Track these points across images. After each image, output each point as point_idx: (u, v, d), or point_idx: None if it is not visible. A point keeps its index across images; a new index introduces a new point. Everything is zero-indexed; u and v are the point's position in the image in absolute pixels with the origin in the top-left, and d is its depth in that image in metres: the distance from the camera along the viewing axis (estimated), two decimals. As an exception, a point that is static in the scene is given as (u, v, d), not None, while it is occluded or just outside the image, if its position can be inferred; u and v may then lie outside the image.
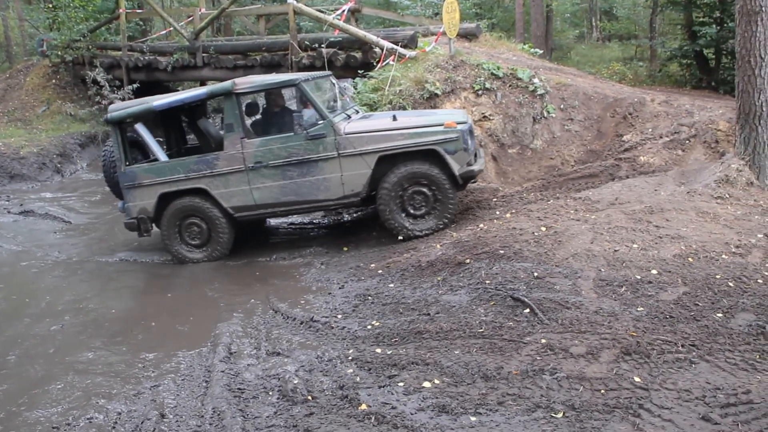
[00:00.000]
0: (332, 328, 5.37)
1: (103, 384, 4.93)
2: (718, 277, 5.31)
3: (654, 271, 5.41)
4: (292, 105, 8.49)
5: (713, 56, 15.24)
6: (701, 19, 15.19)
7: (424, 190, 7.54)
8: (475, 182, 8.35)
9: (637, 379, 3.98)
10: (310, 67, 12.75)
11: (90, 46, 16.27)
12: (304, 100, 7.71)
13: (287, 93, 8.62)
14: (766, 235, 6.07)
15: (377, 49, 11.57)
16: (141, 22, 20.70)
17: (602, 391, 3.90)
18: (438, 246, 6.69)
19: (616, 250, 5.75)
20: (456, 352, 4.53)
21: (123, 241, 9.06)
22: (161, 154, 8.13)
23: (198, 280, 7.38)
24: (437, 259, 6.27)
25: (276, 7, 18.51)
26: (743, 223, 6.32)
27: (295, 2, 13.12)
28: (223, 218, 7.90)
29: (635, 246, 5.82)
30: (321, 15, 13.24)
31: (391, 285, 6.09)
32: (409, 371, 4.39)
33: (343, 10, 14.41)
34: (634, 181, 7.59)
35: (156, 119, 8.86)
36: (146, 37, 18.86)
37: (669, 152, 8.93)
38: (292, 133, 7.58)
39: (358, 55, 12.18)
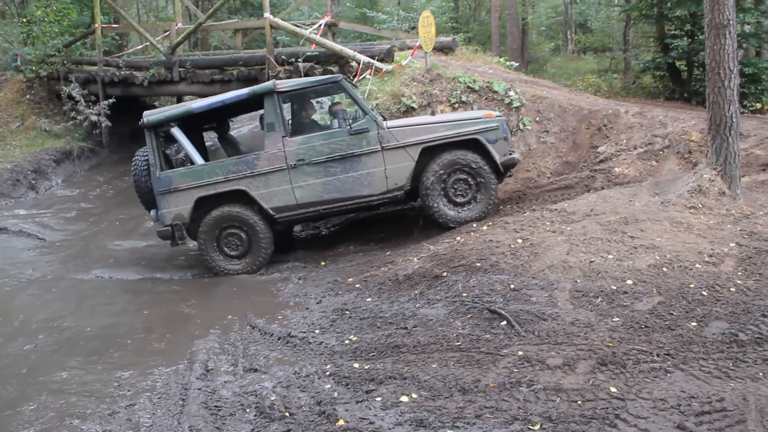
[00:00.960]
0: (310, 343, 5.35)
1: (77, 404, 4.85)
2: (692, 286, 5.37)
3: (629, 282, 5.46)
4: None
5: (685, 68, 15.49)
6: (673, 32, 15.47)
7: (467, 178, 7.72)
8: (510, 175, 8.48)
9: (613, 389, 4.01)
10: (287, 82, 12.74)
11: (65, 61, 16.13)
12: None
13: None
14: (738, 244, 6.16)
15: (354, 63, 11.60)
16: (117, 37, 20.58)
17: (579, 402, 3.92)
18: (415, 259, 6.70)
19: (591, 261, 5.79)
20: (433, 366, 4.53)
21: (98, 258, 8.97)
22: (198, 158, 8.00)
23: (174, 296, 7.31)
24: (414, 273, 6.28)
25: (253, 21, 18.50)
26: (716, 233, 6.40)
27: (271, 17, 13.14)
28: (264, 226, 7.81)
29: (611, 257, 5.87)
30: (297, 29, 13.26)
31: (369, 299, 6.08)
32: (387, 386, 4.38)
33: (320, 25, 14.45)
34: (609, 192, 7.66)
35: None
36: (122, 51, 18.75)
37: (643, 163, 9.04)
38: (335, 129, 7.72)
39: (335, 69, 12.20)
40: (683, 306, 5.08)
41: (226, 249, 7.94)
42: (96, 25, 15.88)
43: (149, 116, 7.94)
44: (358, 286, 6.55)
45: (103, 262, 8.82)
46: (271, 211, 7.79)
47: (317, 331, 5.60)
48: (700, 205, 6.96)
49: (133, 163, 8.30)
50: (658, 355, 4.37)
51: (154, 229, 10.24)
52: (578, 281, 5.51)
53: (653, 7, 15.78)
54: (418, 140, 7.65)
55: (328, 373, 4.71)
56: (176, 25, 15.68)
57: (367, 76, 10.84)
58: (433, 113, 7.87)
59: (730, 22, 7.21)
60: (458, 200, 7.75)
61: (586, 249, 6.02)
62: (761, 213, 6.97)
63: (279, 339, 5.57)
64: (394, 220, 8.93)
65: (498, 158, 7.70)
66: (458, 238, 6.92)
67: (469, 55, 13.89)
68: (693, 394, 3.90)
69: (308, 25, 14.89)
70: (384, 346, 4.98)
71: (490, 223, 7.20)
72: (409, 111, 9.77)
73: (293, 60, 12.63)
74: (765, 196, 7.55)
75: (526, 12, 23.91)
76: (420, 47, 11.10)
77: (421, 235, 7.85)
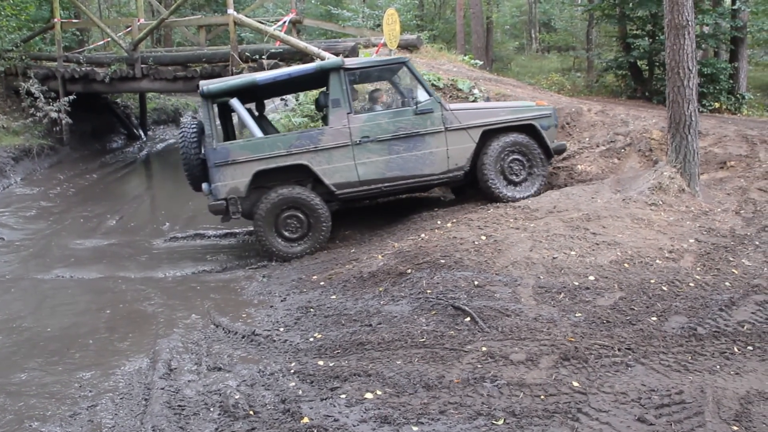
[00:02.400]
0: (274, 341, 5.32)
1: (37, 406, 4.75)
2: (652, 281, 5.47)
3: (591, 277, 5.53)
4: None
5: (646, 67, 15.75)
6: (635, 32, 15.72)
7: (522, 159, 8.09)
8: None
9: (575, 383, 4.06)
10: (252, 79, 12.66)
11: (23, 57, 15.79)
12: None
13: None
14: (697, 240, 6.29)
15: (318, 61, 11.55)
16: (77, 33, 20.23)
17: (542, 396, 3.96)
18: (379, 257, 6.70)
19: (554, 258, 5.86)
20: (398, 363, 4.54)
21: (59, 258, 8.80)
22: (257, 131, 7.88)
23: (137, 295, 7.20)
24: (379, 270, 6.28)
25: (216, 17, 18.35)
26: (676, 229, 6.53)
27: (235, 13, 13.04)
28: (323, 206, 7.76)
29: (573, 253, 5.94)
30: (261, 26, 13.19)
31: (333, 297, 6.06)
32: (351, 383, 4.37)
33: (284, 21, 14.39)
34: (571, 190, 7.75)
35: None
36: (83, 47, 18.43)
37: (605, 161, 9.17)
38: (402, 108, 7.84)
39: (300, 66, 12.16)
40: (644, 301, 5.17)
41: (285, 232, 7.84)
42: (55, 20, 15.57)
43: (209, 85, 7.73)
44: (322, 283, 6.53)
45: (63, 262, 8.65)
46: (332, 188, 7.78)
47: (282, 329, 5.57)
48: (661, 202, 7.08)
49: (181, 135, 8.02)
50: (619, 350, 4.44)
51: (116, 228, 10.17)
52: (541, 277, 5.57)
53: (615, 7, 16.02)
54: (480, 123, 7.95)
55: (292, 371, 4.69)
56: (138, 20, 15.47)
57: (332, 74, 10.79)
58: (488, 99, 8.27)
59: (689, 23, 7.35)
60: (514, 179, 8.08)
61: (549, 245, 6.08)
62: (719, 210, 7.12)
63: (243, 337, 5.52)
64: (358, 216, 8.90)
65: (550, 143, 8.16)
66: (422, 236, 6.93)
67: (434, 53, 13.96)
68: (653, 387, 3.98)
69: (272, 21, 14.81)
70: (349, 344, 4.98)
71: (454, 220, 7.23)
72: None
73: (257, 57, 12.54)
74: (723, 194, 7.70)
75: (490, 11, 24.11)
76: (385, 45, 11.10)
77: (385, 233, 7.85)
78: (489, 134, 8.01)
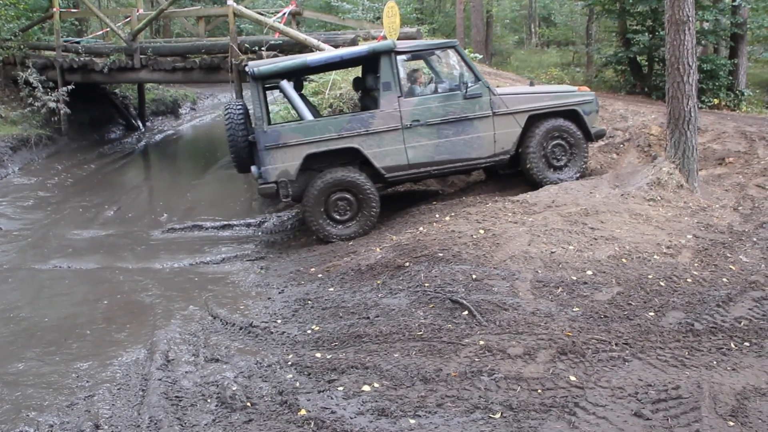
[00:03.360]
0: (272, 333, 5.32)
1: (34, 396, 4.76)
2: (650, 277, 5.48)
3: (589, 272, 5.54)
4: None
5: (646, 63, 15.72)
6: (635, 27, 15.68)
7: (564, 144, 8.23)
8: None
9: (572, 378, 4.07)
10: (251, 70, 12.62)
11: (22, 46, 15.74)
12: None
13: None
14: (695, 235, 6.29)
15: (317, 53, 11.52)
16: (76, 22, 20.16)
17: (539, 390, 3.97)
18: (378, 249, 6.70)
19: (552, 252, 5.86)
20: (395, 355, 4.54)
21: (57, 248, 8.79)
22: (307, 114, 7.89)
23: (135, 286, 7.20)
24: (377, 263, 6.28)
25: (216, 9, 18.31)
26: (674, 225, 6.53)
27: (235, 4, 12.98)
28: (372, 187, 7.80)
29: (571, 247, 5.95)
30: (261, 18, 13.13)
31: (331, 289, 6.06)
32: (349, 375, 4.38)
33: (284, 13, 14.33)
34: (570, 184, 7.76)
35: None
36: (82, 37, 18.36)
37: (604, 156, 9.18)
38: (451, 92, 7.89)
39: (299, 58, 12.10)
40: (641, 296, 5.18)
41: (334, 215, 7.82)
42: (54, 9, 15.52)
43: (259, 66, 7.66)
44: (320, 276, 6.53)
45: (61, 252, 8.64)
46: (382, 171, 7.83)
47: (279, 321, 5.57)
48: (659, 198, 7.08)
49: (227, 117, 8.02)
50: (616, 345, 4.45)
51: (113, 219, 10.16)
52: (539, 271, 5.57)
53: (616, 2, 15.99)
54: (526, 108, 8.07)
55: (290, 363, 4.70)
56: (138, 10, 15.40)
57: (332, 66, 10.76)
58: (532, 83, 8.54)
59: (690, 18, 7.33)
60: (555, 164, 8.24)
61: (547, 240, 6.09)
62: (717, 206, 7.12)
63: (241, 329, 5.53)
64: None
65: (591, 128, 8.29)
66: (421, 229, 6.93)
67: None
68: (650, 382, 3.99)
69: (272, 13, 14.76)
70: (346, 336, 4.99)
71: (452, 214, 7.23)
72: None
73: (256, 48, 12.48)
74: (721, 190, 7.72)
75: (490, 4, 24.06)
76: (384, 38, 11.06)
77: (383, 225, 7.85)
78: (534, 119, 8.15)
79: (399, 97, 7.78)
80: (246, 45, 12.78)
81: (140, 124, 18.58)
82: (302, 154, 7.64)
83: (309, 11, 18.25)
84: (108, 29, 16.10)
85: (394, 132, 7.75)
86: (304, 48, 11.95)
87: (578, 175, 8.24)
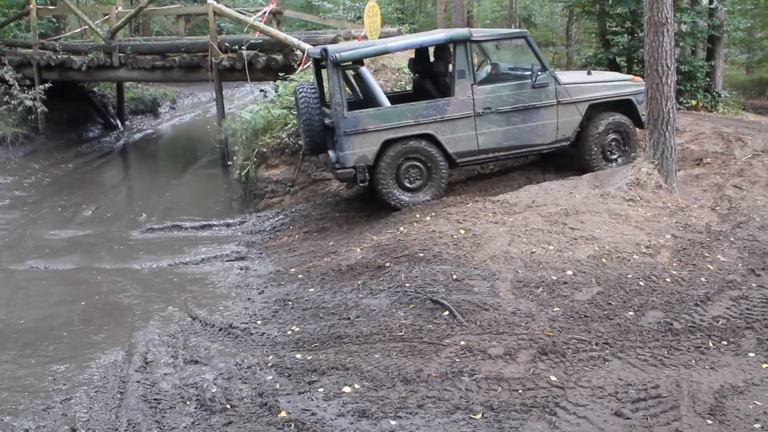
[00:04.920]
0: (252, 334, 5.29)
1: (9, 400, 4.70)
2: (629, 276, 5.51)
3: (569, 272, 5.56)
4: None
5: (625, 64, 15.80)
6: (614, 29, 15.75)
7: (619, 138, 8.55)
8: None
9: (553, 378, 4.08)
10: (230, 69, 12.56)
11: (-3, 43, 15.57)
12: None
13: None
14: (673, 235, 6.34)
15: (298, 52, 11.49)
16: (54, 19, 19.91)
17: (520, 390, 3.98)
18: (358, 250, 6.68)
19: (532, 252, 5.88)
20: (376, 356, 4.53)
21: (33, 248, 8.69)
22: (385, 100, 8.02)
23: (113, 287, 7.13)
24: (357, 263, 6.26)
25: (196, 7, 18.21)
26: (653, 224, 6.58)
27: (215, 3, 12.91)
28: (442, 156, 7.94)
29: (551, 247, 5.97)
30: (241, 16, 13.09)
31: (312, 289, 6.04)
32: (329, 376, 4.36)
33: (265, 12, 14.30)
34: (550, 185, 7.77)
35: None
36: (59, 34, 18.16)
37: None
38: (521, 81, 8.12)
39: (279, 57, 12.06)
40: (621, 296, 5.21)
41: (405, 182, 7.93)
42: (31, 6, 15.35)
43: (340, 52, 7.65)
44: (300, 276, 6.50)
45: (38, 252, 8.54)
46: (454, 156, 7.99)
47: (259, 322, 5.54)
48: (638, 198, 7.12)
49: (303, 100, 8.04)
50: (596, 344, 4.47)
51: (92, 219, 10.08)
52: (519, 271, 5.58)
53: (595, 3, 16.08)
54: (587, 97, 8.34)
55: (270, 364, 4.67)
56: (116, 8, 15.31)
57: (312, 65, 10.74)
58: (589, 73, 8.91)
59: (669, 20, 7.38)
60: (609, 156, 8.56)
61: (528, 240, 6.11)
62: (695, 206, 7.18)
63: (220, 330, 5.49)
64: (337, 208, 8.89)
65: (643, 117, 8.39)
66: (401, 229, 6.92)
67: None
68: (630, 381, 4.01)
69: (252, 12, 14.70)
70: (326, 337, 4.96)
71: (433, 214, 7.23)
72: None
73: (236, 47, 12.42)
74: (699, 190, 7.77)
75: (471, 5, 24.12)
76: (365, 37, 11.06)
77: (364, 226, 7.84)
78: (593, 108, 8.41)
79: (473, 85, 7.94)
80: (226, 44, 12.71)
81: (119, 123, 18.42)
82: (380, 140, 7.74)
83: (290, 10, 18.23)
84: (86, 27, 15.92)
85: (467, 119, 7.95)
86: (284, 47, 11.92)
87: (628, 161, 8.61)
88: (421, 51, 9.01)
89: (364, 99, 8.29)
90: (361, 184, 7.89)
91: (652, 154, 7.60)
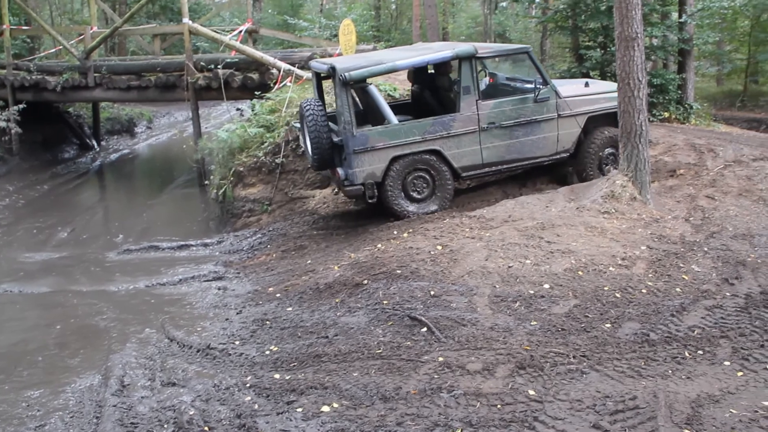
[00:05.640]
0: (230, 354, 5.25)
1: (-19, 427, 4.63)
2: (606, 288, 5.55)
3: (546, 286, 5.59)
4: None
5: (599, 78, 15.99)
6: (587, 43, 15.95)
7: (616, 153, 8.48)
8: None
9: (531, 392, 4.09)
10: (206, 88, 12.54)
11: (-31, 65, 15.43)
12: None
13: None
14: (648, 247, 6.40)
15: (274, 71, 11.51)
16: (28, 40, 19.80)
17: (498, 405, 3.98)
18: (336, 268, 6.67)
19: (509, 267, 5.90)
20: (355, 375, 4.52)
21: (7, 272, 8.58)
22: (393, 118, 8.04)
23: (89, 310, 7.05)
24: (335, 281, 6.25)
25: (171, 27, 18.15)
26: (628, 236, 6.63)
27: (190, 22, 12.91)
28: (447, 168, 8.07)
29: (528, 261, 6.00)
30: (217, 35, 13.08)
31: (290, 308, 6.01)
32: (308, 396, 4.34)
33: (240, 31, 14.32)
34: (526, 199, 7.83)
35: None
36: (34, 55, 18.04)
37: (558, 169, 9.29)
38: (524, 96, 8.23)
39: (255, 76, 12.07)
40: (598, 308, 5.24)
41: (413, 193, 8.03)
42: (4, 26, 15.24)
43: (350, 71, 7.63)
44: (278, 295, 6.47)
45: (12, 276, 8.43)
46: (459, 170, 8.13)
47: (237, 342, 5.50)
48: (613, 210, 7.19)
49: (310, 118, 7.98)
50: (574, 357, 4.49)
51: (67, 240, 9.98)
52: (497, 286, 5.60)
53: (568, 19, 16.27)
54: (586, 110, 8.49)
55: (248, 385, 4.64)
56: (91, 28, 15.22)
57: (288, 84, 10.77)
58: (587, 84, 9.00)
59: (638, 35, 7.48)
60: (606, 169, 8.70)
61: (505, 254, 6.13)
62: (669, 217, 7.25)
63: (198, 351, 5.45)
64: (315, 226, 8.87)
65: None
66: (379, 246, 6.93)
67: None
68: (607, 393, 4.03)
69: (228, 31, 14.71)
70: (305, 356, 4.94)
71: (410, 230, 7.24)
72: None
73: (212, 66, 12.42)
74: (673, 201, 7.86)
75: (446, 21, 24.31)
76: (340, 54, 11.11)
77: (342, 243, 7.83)
78: (591, 119, 8.58)
79: (477, 100, 8.08)
80: (202, 63, 12.70)
81: (95, 144, 18.29)
82: (389, 157, 7.84)
83: (265, 29, 18.26)
84: (61, 47, 15.84)
85: (472, 134, 8.08)
86: (260, 65, 11.93)
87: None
88: (437, 70, 9.12)
89: (365, 110, 8.35)
90: (370, 201, 7.93)
91: (626, 166, 7.68)
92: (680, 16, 15.23)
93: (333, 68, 7.72)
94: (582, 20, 15.56)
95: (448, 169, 8.06)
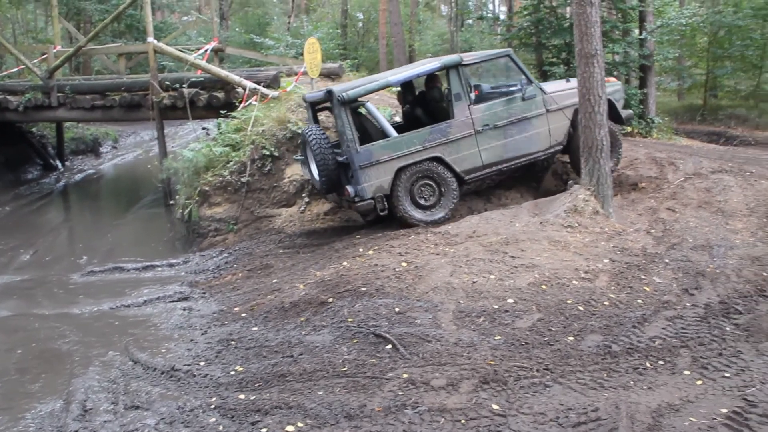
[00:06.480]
0: (194, 376, 5.19)
1: (-63, 457, 4.52)
2: (569, 302, 5.61)
3: (510, 300, 5.63)
4: None
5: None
6: (551, 60, 16.24)
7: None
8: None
9: (495, 406, 4.11)
10: (172, 108, 12.47)
11: (-71, 85, 15.16)
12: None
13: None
14: (611, 259, 6.49)
15: (240, 89, 11.50)
16: (-11, 59, 19.55)
17: (463, 421, 3.99)
18: (301, 286, 6.66)
19: (474, 282, 5.94)
20: (320, 393, 4.50)
21: (-34, 295, 8.40)
22: (393, 131, 8.30)
23: (51, 333, 6.93)
24: (300, 300, 6.24)
25: (136, 46, 18.05)
26: (591, 250, 6.72)
27: (155, 41, 12.85)
28: (452, 176, 8.35)
29: (492, 276, 6.04)
30: (182, 54, 13.05)
31: (255, 328, 5.98)
32: (273, 416, 4.31)
33: (206, 50, 14.28)
34: (490, 214, 7.91)
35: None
36: (-5, 74, 17.80)
37: (523, 185, 9.40)
38: (512, 96, 8.58)
39: (221, 95, 12.04)
40: (561, 321, 5.29)
41: (420, 201, 8.28)
42: (-35, 47, 15.02)
43: (347, 92, 7.99)
44: (244, 315, 6.43)
45: (-30, 299, 8.26)
46: (462, 174, 8.40)
47: (202, 363, 5.45)
48: (576, 224, 7.29)
49: (314, 143, 8.13)
50: (537, 371, 4.53)
51: (30, 263, 9.84)
52: (461, 302, 5.63)
53: (532, 36, 16.57)
54: (572, 102, 8.61)
55: (213, 406, 4.59)
56: (55, 47, 15.07)
57: (254, 102, 10.76)
58: (567, 80, 9.32)
59: (598, 52, 7.63)
60: None
61: (469, 270, 6.17)
62: (631, 230, 7.38)
63: (162, 373, 5.38)
64: (281, 244, 8.85)
65: (623, 114, 9.39)
66: (344, 264, 6.93)
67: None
68: (570, 406, 4.06)
69: (194, 50, 14.67)
70: (270, 376, 4.91)
71: (375, 247, 7.26)
72: (295, 137, 9.75)
73: (178, 85, 12.37)
74: (635, 214, 8.00)
75: (413, 39, 24.50)
76: (305, 73, 11.14)
77: (308, 261, 7.83)
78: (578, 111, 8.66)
79: (469, 105, 8.40)
80: (167, 82, 12.64)
81: (59, 164, 18.03)
82: (394, 168, 8.12)
83: (232, 48, 18.25)
84: (23, 66, 15.64)
85: (469, 138, 8.40)
86: (226, 84, 11.91)
87: (618, 164, 9.35)
88: (407, 83, 9.41)
89: (361, 133, 8.43)
90: (381, 213, 8.15)
91: (588, 180, 7.80)
92: (641, 33, 15.58)
93: (330, 91, 8.07)
94: (545, 37, 15.85)
95: (451, 175, 8.34)
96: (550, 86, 9.15)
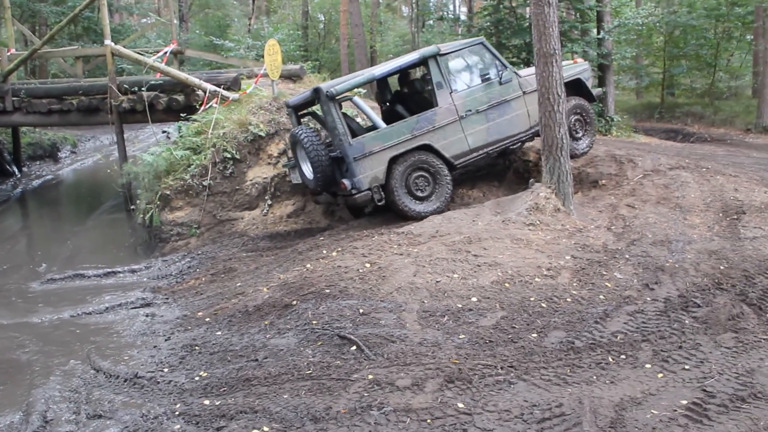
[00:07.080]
0: (158, 382, 5.13)
1: None
2: (532, 299, 5.67)
3: (474, 299, 5.68)
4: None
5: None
6: (511, 60, 16.37)
7: (581, 119, 9.65)
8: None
9: (460, 405, 4.14)
10: (131, 111, 12.28)
11: None
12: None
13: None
14: (573, 256, 6.58)
15: (200, 92, 11.38)
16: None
17: (428, 420, 4.01)
18: (265, 289, 6.62)
19: (438, 281, 5.97)
20: (285, 397, 4.48)
21: None
22: (381, 122, 8.60)
23: (9, 343, 6.77)
24: (264, 303, 6.20)
25: (94, 48, 17.73)
26: (553, 247, 6.80)
27: (113, 44, 12.65)
28: (445, 166, 8.59)
29: (456, 276, 6.08)
30: (141, 57, 12.84)
31: (219, 333, 5.93)
32: (238, 421, 4.27)
33: (165, 52, 14.09)
34: (453, 214, 7.95)
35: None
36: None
37: (485, 183, 9.48)
38: (490, 81, 8.88)
39: (181, 98, 11.88)
40: (524, 319, 5.35)
41: (416, 192, 8.49)
42: None
43: (333, 87, 8.22)
44: (208, 319, 6.37)
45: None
46: (451, 160, 8.64)
47: (166, 370, 5.38)
48: (538, 222, 7.37)
49: (307, 142, 8.30)
50: (502, 368, 4.57)
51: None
52: (425, 302, 5.66)
53: (492, 36, 16.69)
54: None
55: (177, 413, 4.54)
56: (9, 50, 14.72)
57: (214, 105, 10.66)
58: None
59: (556, 51, 7.73)
60: (575, 135, 9.58)
61: (432, 270, 6.20)
62: (592, 227, 7.48)
63: (125, 381, 5.30)
64: (245, 249, 8.79)
65: (594, 92, 9.89)
66: (308, 266, 6.91)
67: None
68: (535, 402, 4.11)
69: (153, 52, 14.47)
70: (235, 380, 4.87)
71: (339, 249, 7.25)
72: (256, 139, 9.69)
73: (137, 89, 12.18)
74: (595, 211, 8.11)
75: (374, 40, 24.52)
76: (265, 75, 11.08)
77: (271, 264, 7.78)
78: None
79: (451, 93, 8.68)
80: (126, 85, 12.43)
81: (16, 170, 17.63)
82: (386, 158, 8.34)
83: (191, 50, 18.06)
84: (-25, 71, 15.28)
85: (454, 124, 8.67)
86: (185, 87, 11.77)
87: (593, 143, 9.91)
88: (382, 82, 9.64)
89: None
90: (379, 203, 8.39)
91: (549, 178, 7.89)
92: (599, 33, 15.81)
93: (317, 89, 8.34)
94: (505, 37, 16.00)
95: (442, 162, 8.56)
96: (522, 72, 9.49)
